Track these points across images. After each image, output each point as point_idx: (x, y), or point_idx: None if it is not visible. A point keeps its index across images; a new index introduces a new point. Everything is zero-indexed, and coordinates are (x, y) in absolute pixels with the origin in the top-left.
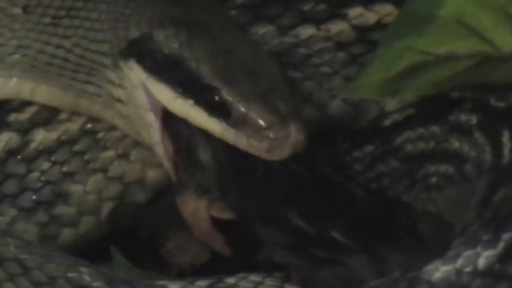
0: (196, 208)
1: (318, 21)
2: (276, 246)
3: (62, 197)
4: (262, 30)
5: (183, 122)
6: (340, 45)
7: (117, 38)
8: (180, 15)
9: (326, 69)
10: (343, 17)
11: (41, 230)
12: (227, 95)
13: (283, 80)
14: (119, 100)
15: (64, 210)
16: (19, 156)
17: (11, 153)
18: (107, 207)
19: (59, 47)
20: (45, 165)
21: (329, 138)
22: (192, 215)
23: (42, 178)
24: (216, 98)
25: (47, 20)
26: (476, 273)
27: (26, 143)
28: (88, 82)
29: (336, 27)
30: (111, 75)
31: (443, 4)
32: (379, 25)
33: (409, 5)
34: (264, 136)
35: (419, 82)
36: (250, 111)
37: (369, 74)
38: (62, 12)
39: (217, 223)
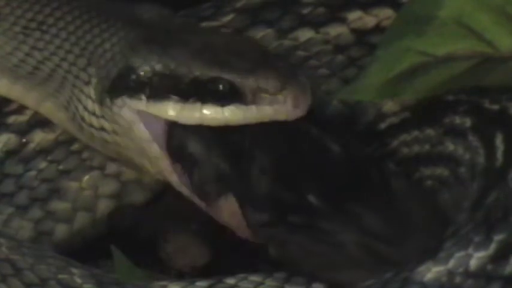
0: (230, 209)
1: (317, 24)
2: (259, 226)
3: (57, 192)
4: (261, 33)
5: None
6: (339, 48)
7: (98, 75)
8: (144, 35)
9: (324, 71)
10: (342, 20)
11: (36, 226)
12: (232, 79)
13: (265, 48)
14: (102, 129)
15: (59, 205)
16: (17, 157)
17: (10, 153)
18: (102, 205)
19: (28, 55)
20: (43, 164)
21: None
22: (230, 218)
23: (39, 176)
24: (221, 87)
25: (17, 28)
26: (468, 274)
27: (24, 144)
28: (58, 92)
29: (335, 30)
30: (92, 105)
31: (442, 5)
32: (378, 29)
33: (408, 7)
34: (285, 97)
35: (418, 84)
36: (262, 82)
37: (368, 76)
38: (33, 25)
39: None
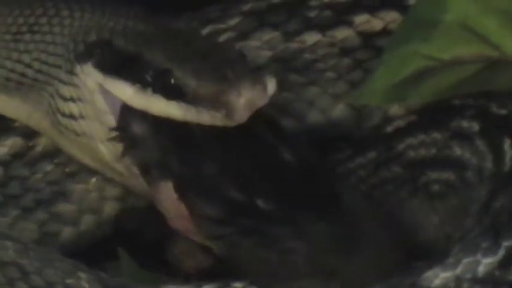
0: (167, 195)
1: (323, 27)
2: (206, 220)
3: (63, 195)
4: (268, 36)
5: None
6: (346, 51)
7: (74, 43)
8: (142, 26)
9: (330, 74)
10: (349, 23)
11: (41, 228)
12: (180, 75)
13: (234, 55)
14: (72, 116)
15: (65, 208)
16: (23, 159)
17: (16, 156)
18: (109, 207)
19: (18, 61)
20: (49, 167)
21: (332, 144)
22: (166, 204)
23: (45, 179)
24: (172, 81)
25: (8, 37)
26: (476, 280)
27: (30, 147)
28: (42, 98)
29: (342, 33)
30: (63, 89)
31: (448, 9)
32: (385, 32)
33: (414, 11)
34: (220, 103)
35: (425, 89)
36: (201, 84)
37: (374, 80)
38: (24, 28)
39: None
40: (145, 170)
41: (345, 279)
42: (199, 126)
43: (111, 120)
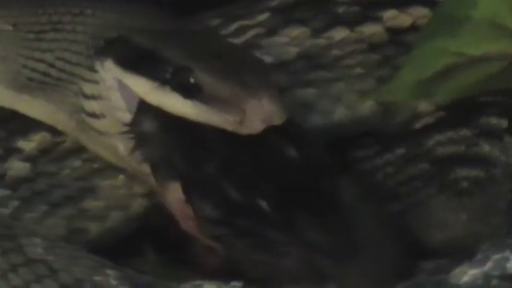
0: (175, 196)
1: (351, 23)
2: (205, 220)
3: (91, 191)
4: (296, 31)
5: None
6: (373, 47)
7: (94, 39)
8: (161, 25)
9: (358, 70)
10: (378, 19)
11: (69, 224)
12: (199, 74)
13: (253, 60)
14: (93, 115)
15: (92, 204)
16: (52, 155)
17: (44, 152)
18: (136, 203)
19: (41, 61)
20: (77, 162)
21: (359, 141)
22: (174, 204)
23: (73, 175)
24: (192, 79)
25: (31, 35)
26: (504, 277)
27: (59, 142)
28: (65, 97)
29: (370, 29)
30: (85, 86)
31: (476, 5)
32: (413, 27)
33: (443, 7)
34: (237, 108)
35: (452, 85)
36: (221, 86)
37: (402, 76)
38: (47, 27)
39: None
40: (154, 169)
41: (342, 284)
42: (210, 128)
43: (127, 117)
